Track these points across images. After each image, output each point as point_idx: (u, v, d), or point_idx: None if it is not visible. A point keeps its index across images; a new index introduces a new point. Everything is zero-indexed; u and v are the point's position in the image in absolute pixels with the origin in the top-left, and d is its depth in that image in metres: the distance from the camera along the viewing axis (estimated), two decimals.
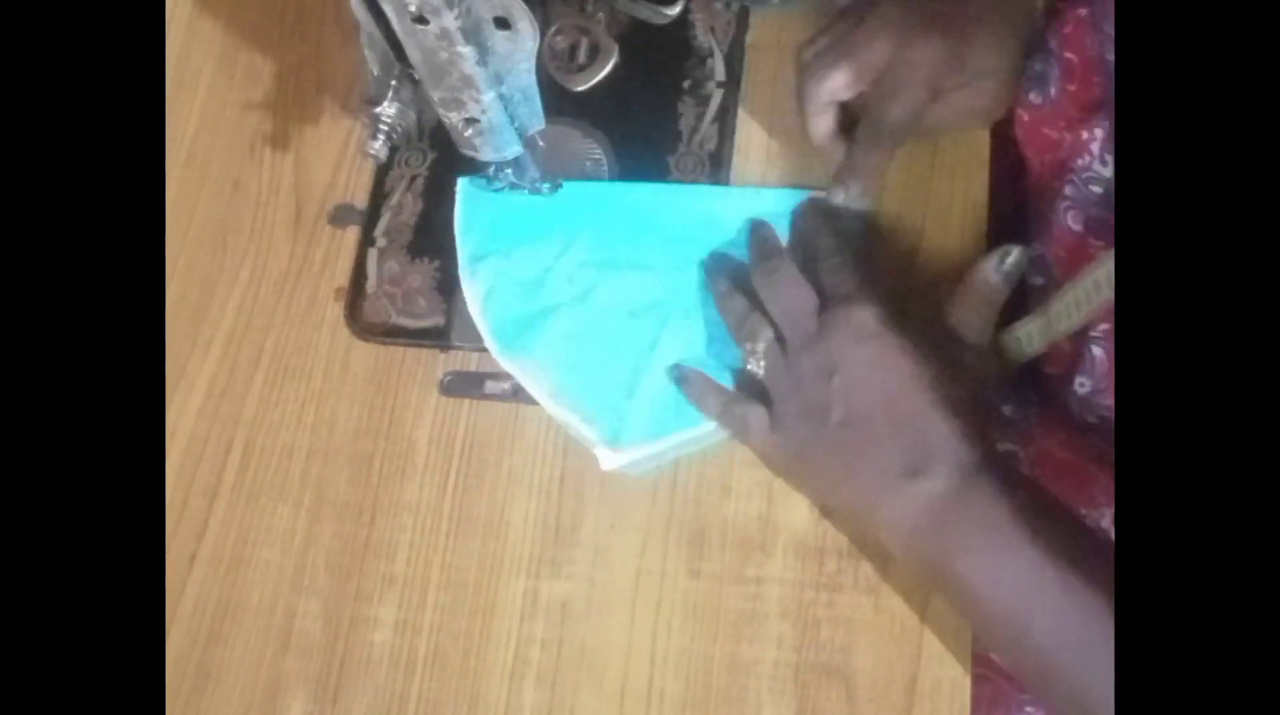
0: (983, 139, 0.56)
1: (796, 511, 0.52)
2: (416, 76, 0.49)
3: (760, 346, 0.51)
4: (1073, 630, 0.43)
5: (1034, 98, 0.56)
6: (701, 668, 0.51)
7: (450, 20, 0.44)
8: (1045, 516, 0.45)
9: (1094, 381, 0.53)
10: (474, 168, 0.56)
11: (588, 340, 0.56)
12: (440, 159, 0.61)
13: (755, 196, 0.57)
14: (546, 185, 0.57)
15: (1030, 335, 0.51)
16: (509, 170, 0.56)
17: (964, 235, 0.55)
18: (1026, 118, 0.57)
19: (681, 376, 0.54)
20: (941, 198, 0.55)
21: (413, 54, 0.47)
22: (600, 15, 0.61)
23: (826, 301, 0.50)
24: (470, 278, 0.58)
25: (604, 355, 0.55)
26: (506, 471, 0.56)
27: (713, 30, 0.61)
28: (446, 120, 0.51)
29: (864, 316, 0.48)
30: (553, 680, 0.52)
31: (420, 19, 0.44)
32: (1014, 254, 0.50)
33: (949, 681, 0.49)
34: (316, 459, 0.58)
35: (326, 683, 0.54)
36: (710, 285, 0.55)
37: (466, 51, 0.45)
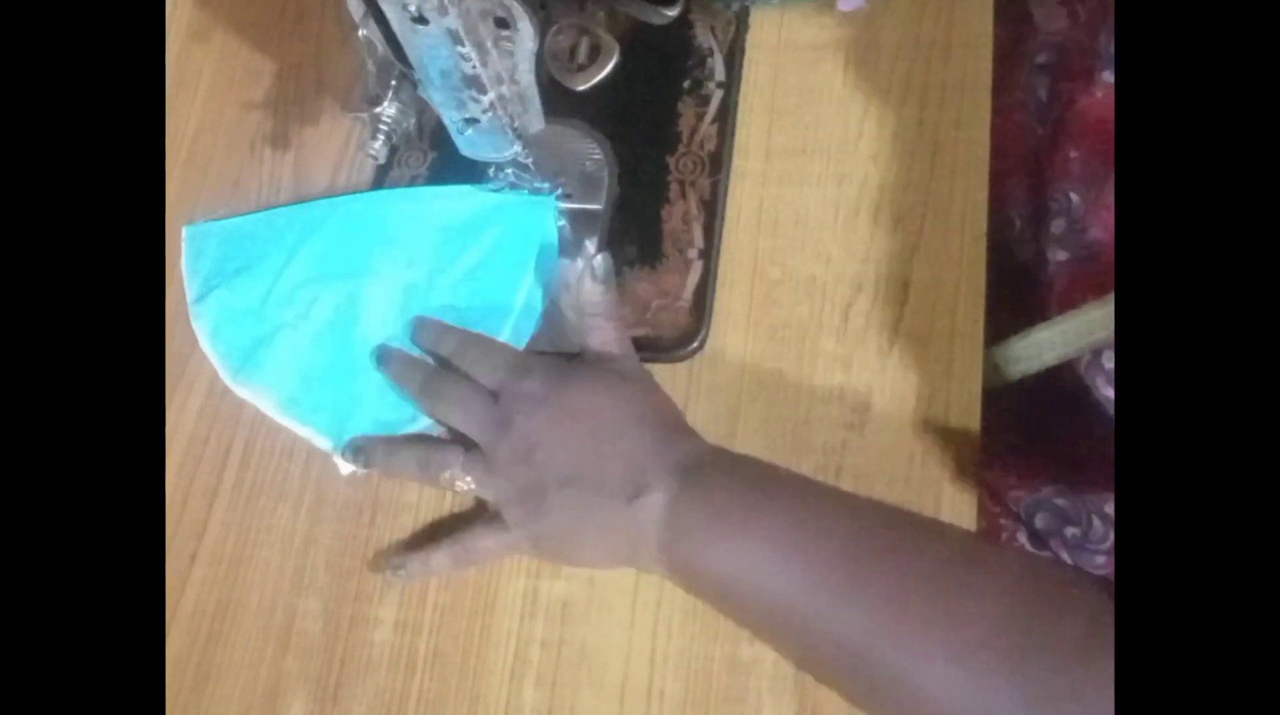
0: (983, 138, 0.56)
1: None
2: (416, 76, 0.49)
3: (458, 471, 0.52)
4: (821, 585, 0.43)
5: (1108, 76, 0.56)
6: (701, 668, 0.51)
7: (450, 20, 0.44)
8: (770, 486, 0.47)
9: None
10: (473, 167, 0.56)
11: (311, 354, 0.58)
12: (440, 159, 0.61)
13: (454, 192, 0.58)
14: (546, 185, 0.57)
15: (1017, 357, 0.51)
16: (509, 170, 0.56)
17: (964, 235, 0.55)
18: (1100, 94, 0.56)
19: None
20: (941, 198, 0.55)
21: (413, 54, 0.47)
22: (600, 15, 0.61)
23: (495, 390, 0.51)
24: (196, 318, 0.60)
25: (328, 366, 0.57)
26: None
27: (713, 30, 0.61)
28: (446, 120, 0.51)
29: (529, 387, 0.50)
30: (553, 680, 0.52)
31: (420, 19, 0.44)
32: (603, 261, 0.52)
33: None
34: (316, 459, 0.58)
35: (326, 683, 0.54)
36: (372, 448, 0.55)
37: (466, 51, 0.45)
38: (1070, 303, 0.56)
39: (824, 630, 0.43)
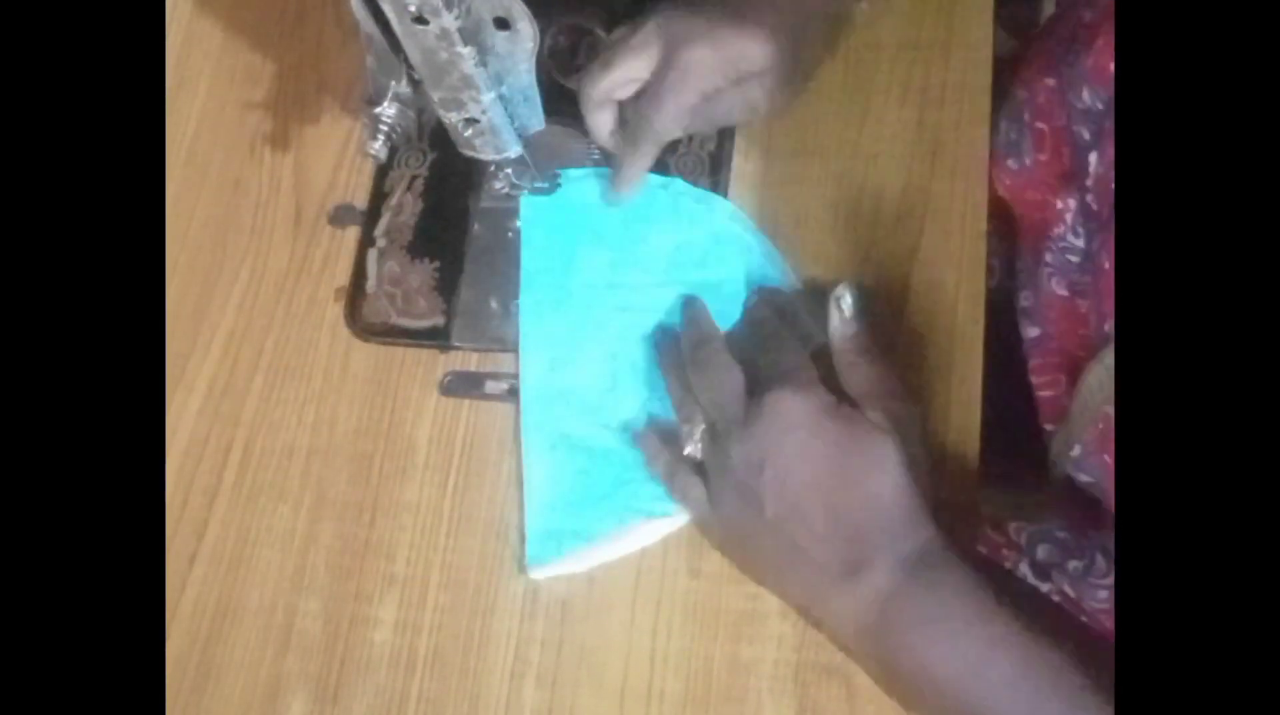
0: (982, 138, 0.56)
1: None
2: (416, 76, 0.49)
3: (696, 431, 0.51)
4: (1027, 708, 0.42)
5: (1011, 164, 0.57)
6: (701, 668, 0.51)
7: (450, 20, 0.44)
8: (990, 597, 0.44)
9: (1083, 446, 0.53)
10: (474, 167, 0.56)
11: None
12: (440, 159, 0.61)
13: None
14: (547, 185, 0.57)
15: (1060, 441, 0.51)
16: (509, 170, 0.56)
17: (964, 235, 0.55)
18: (1008, 182, 0.57)
19: (636, 434, 0.54)
20: (941, 198, 0.55)
21: (413, 54, 0.47)
22: (600, 15, 0.61)
23: (757, 388, 0.49)
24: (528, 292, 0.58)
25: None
26: (506, 471, 0.56)
27: None
28: (446, 120, 0.51)
29: (792, 405, 0.47)
30: (553, 680, 0.52)
31: (420, 19, 0.44)
32: (846, 294, 0.50)
33: None
34: (316, 459, 0.58)
35: (326, 683, 0.54)
36: (659, 362, 0.55)
37: (466, 51, 0.45)
38: (1043, 383, 0.56)
39: None
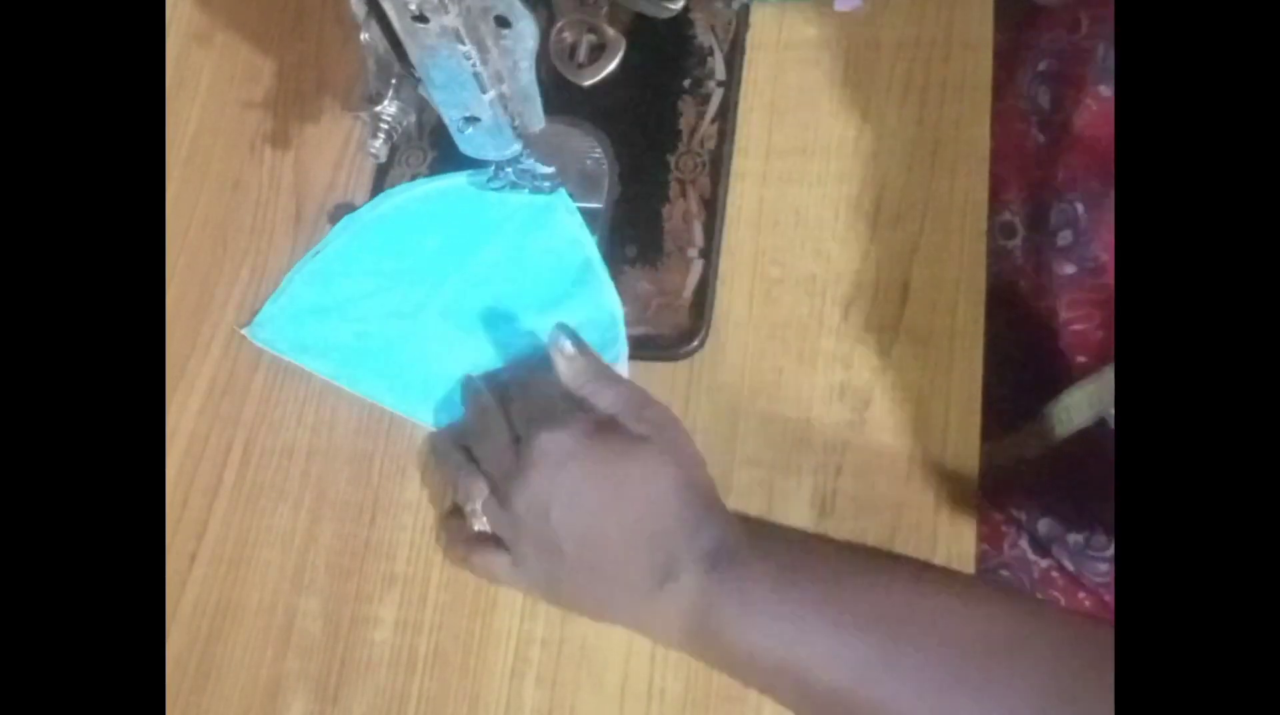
0: (983, 138, 0.56)
1: (797, 511, 0.52)
2: (416, 76, 0.49)
3: (477, 504, 0.51)
4: (849, 664, 0.43)
5: (1104, 90, 0.56)
6: (701, 668, 0.51)
7: (450, 19, 0.44)
8: (799, 566, 0.46)
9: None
10: (474, 167, 0.56)
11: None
12: (440, 159, 0.61)
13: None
14: (547, 184, 0.57)
15: (1078, 406, 0.51)
16: (509, 170, 0.56)
17: (964, 235, 0.55)
18: (1095, 108, 0.56)
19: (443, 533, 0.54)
20: (941, 198, 0.55)
21: (413, 53, 0.47)
22: (604, 10, 0.61)
23: (521, 435, 0.49)
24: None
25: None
26: None
27: (713, 29, 0.61)
28: (446, 120, 0.51)
29: (554, 442, 0.47)
30: (553, 680, 0.52)
31: (420, 18, 0.44)
32: (560, 336, 0.50)
33: None
34: (316, 459, 0.58)
35: (326, 682, 0.54)
36: (434, 444, 0.56)
37: (466, 50, 0.45)
38: (1075, 318, 0.56)
39: (862, 710, 0.43)
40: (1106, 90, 0.56)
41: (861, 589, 0.45)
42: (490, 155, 0.53)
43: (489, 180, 0.57)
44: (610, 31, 0.60)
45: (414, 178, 0.61)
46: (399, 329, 0.57)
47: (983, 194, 0.55)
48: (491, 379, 0.55)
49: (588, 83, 0.60)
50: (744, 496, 0.53)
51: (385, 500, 0.56)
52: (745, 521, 0.49)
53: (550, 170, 0.57)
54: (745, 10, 0.61)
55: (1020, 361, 0.57)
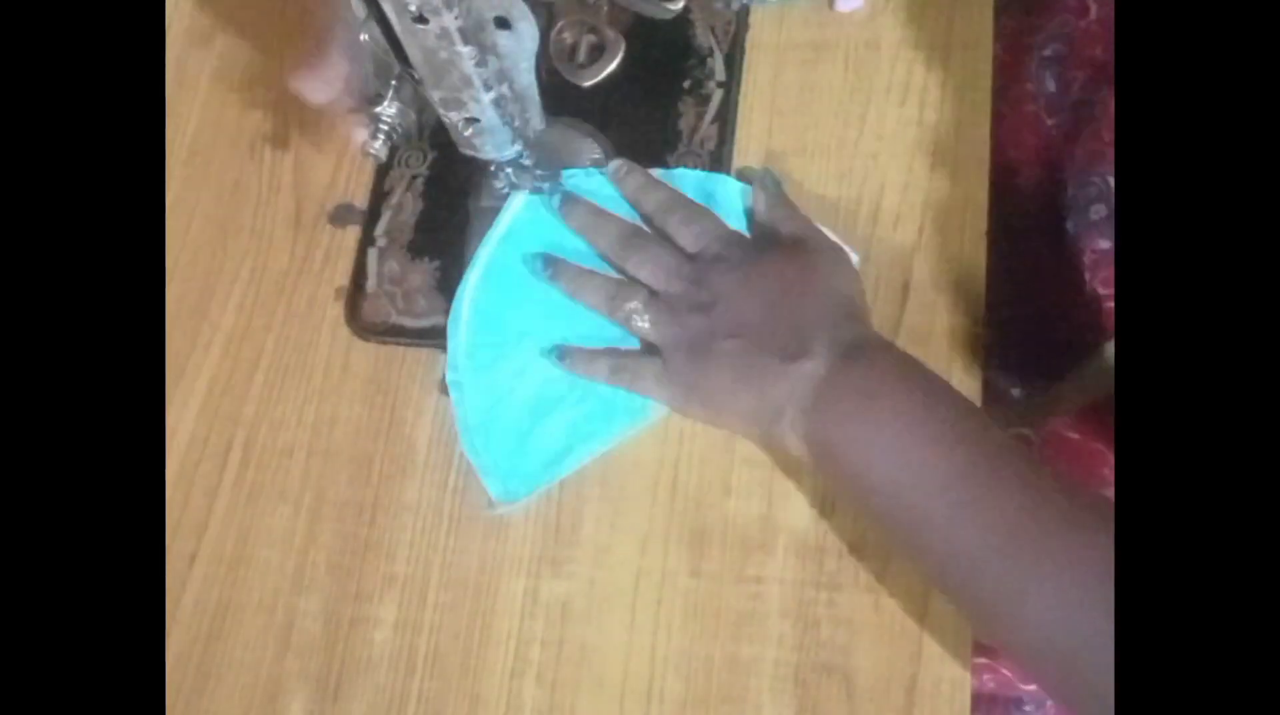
0: (983, 138, 0.56)
1: (797, 511, 0.52)
2: (416, 76, 0.49)
3: (638, 305, 0.53)
4: (944, 490, 0.44)
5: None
6: (701, 667, 0.51)
7: (450, 20, 0.44)
8: (915, 383, 0.47)
9: None
10: (474, 167, 0.56)
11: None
12: (440, 159, 0.61)
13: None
14: (547, 184, 0.57)
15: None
16: (509, 170, 0.56)
17: (964, 235, 0.55)
18: None
19: (562, 355, 0.55)
20: (941, 198, 0.55)
21: (413, 54, 0.47)
22: (604, 11, 0.61)
23: (695, 252, 0.53)
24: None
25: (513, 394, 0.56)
26: None
27: (713, 30, 0.61)
28: (446, 120, 0.51)
29: (727, 253, 0.52)
30: (553, 680, 0.52)
31: (420, 19, 0.44)
32: (765, 177, 0.55)
33: (949, 681, 0.49)
34: (316, 459, 0.58)
35: (326, 682, 0.54)
36: (556, 278, 0.56)
37: (466, 51, 0.45)
38: (1113, 294, 0.56)
39: (944, 536, 0.44)
40: None
41: (975, 425, 0.45)
42: (490, 156, 0.53)
43: (488, 180, 0.57)
44: (610, 32, 0.61)
45: (413, 178, 0.61)
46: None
47: (983, 194, 0.55)
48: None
49: (588, 83, 0.60)
50: (744, 497, 0.53)
51: (385, 500, 0.56)
52: (885, 338, 0.50)
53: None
54: (745, 11, 0.61)
55: (1019, 362, 0.57)
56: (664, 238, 0.55)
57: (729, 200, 0.57)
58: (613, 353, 0.54)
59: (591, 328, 0.56)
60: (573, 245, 0.57)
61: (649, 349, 0.54)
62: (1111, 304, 0.56)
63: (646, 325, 0.53)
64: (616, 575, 0.53)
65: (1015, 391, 0.60)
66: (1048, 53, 0.61)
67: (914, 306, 0.54)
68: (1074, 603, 0.40)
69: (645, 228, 0.56)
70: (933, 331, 0.53)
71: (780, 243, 0.53)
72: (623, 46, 0.60)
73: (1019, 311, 0.57)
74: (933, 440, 0.45)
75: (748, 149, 0.58)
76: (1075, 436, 0.56)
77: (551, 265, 0.56)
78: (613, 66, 0.60)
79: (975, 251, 0.54)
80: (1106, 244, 0.55)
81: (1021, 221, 0.59)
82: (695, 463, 0.54)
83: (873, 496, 0.47)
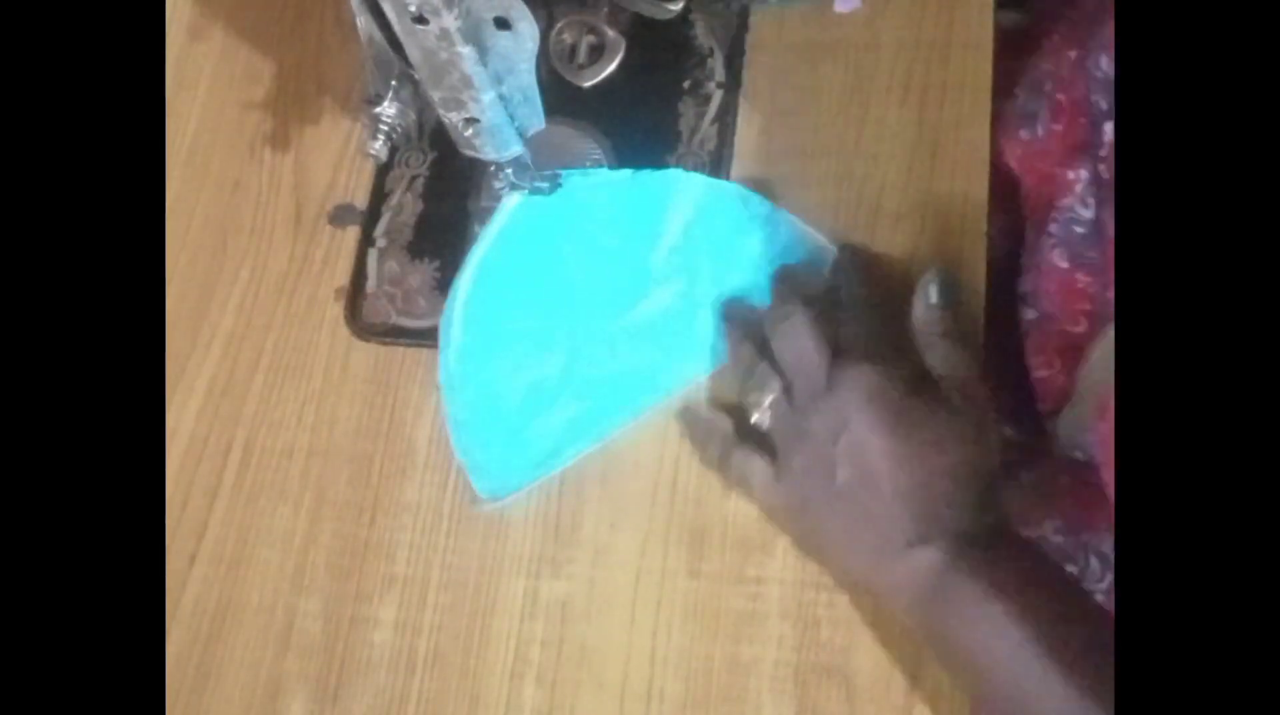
0: (983, 139, 0.56)
1: None
2: (416, 76, 0.49)
3: (767, 398, 0.50)
4: (1057, 687, 0.42)
5: (1024, 135, 0.57)
6: (701, 668, 0.51)
7: (450, 20, 0.44)
8: (1042, 587, 0.45)
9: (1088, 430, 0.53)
10: (474, 167, 0.56)
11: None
12: (440, 159, 0.61)
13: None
14: (547, 184, 0.57)
15: (1069, 421, 0.51)
16: (509, 170, 0.56)
17: (964, 235, 0.55)
18: (1019, 152, 0.57)
19: (690, 419, 0.53)
20: (941, 198, 0.55)
21: (413, 54, 0.47)
22: (604, 11, 0.61)
23: (839, 356, 0.49)
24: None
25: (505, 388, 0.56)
26: None
27: (713, 30, 0.61)
28: (446, 120, 0.51)
29: (874, 378, 0.47)
30: (553, 680, 0.52)
31: (420, 19, 0.44)
32: (934, 282, 0.50)
33: (949, 682, 0.49)
34: (316, 459, 0.58)
35: (326, 683, 0.54)
36: (724, 331, 0.54)
37: (466, 51, 0.45)
38: (1039, 364, 0.57)
39: None
40: (1026, 134, 0.56)
41: (1093, 634, 0.43)
42: (490, 156, 0.53)
43: (488, 180, 0.57)
44: (610, 32, 0.61)
45: (413, 178, 0.61)
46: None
47: (983, 194, 0.55)
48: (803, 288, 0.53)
49: (588, 83, 0.60)
50: (744, 497, 0.53)
51: (385, 500, 0.56)
52: (1018, 536, 0.48)
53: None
54: (745, 11, 0.61)
55: (1012, 389, 0.57)
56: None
57: (724, 206, 0.56)
58: (728, 439, 0.52)
59: (588, 329, 0.56)
60: (567, 249, 0.57)
61: (759, 439, 0.51)
62: (1040, 374, 0.57)
63: (766, 420, 0.50)
64: (616, 575, 0.53)
65: (1008, 430, 0.61)
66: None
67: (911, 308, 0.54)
68: None
69: (799, 303, 0.51)
70: None
71: (924, 383, 0.48)
72: (623, 46, 0.60)
73: (1003, 358, 0.57)
74: (1056, 651, 0.43)
75: (748, 149, 0.58)
76: (1067, 481, 0.56)
77: (728, 310, 0.54)
78: (613, 67, 0.60)
79: (975, 251, 0.54)
80: (1032, 314, 0.56)
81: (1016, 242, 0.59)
82: (695, 463, 0.54)
83: (989, 694, 0.46)
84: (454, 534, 0.55)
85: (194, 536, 0.57)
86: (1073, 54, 0.55)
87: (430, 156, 0.62)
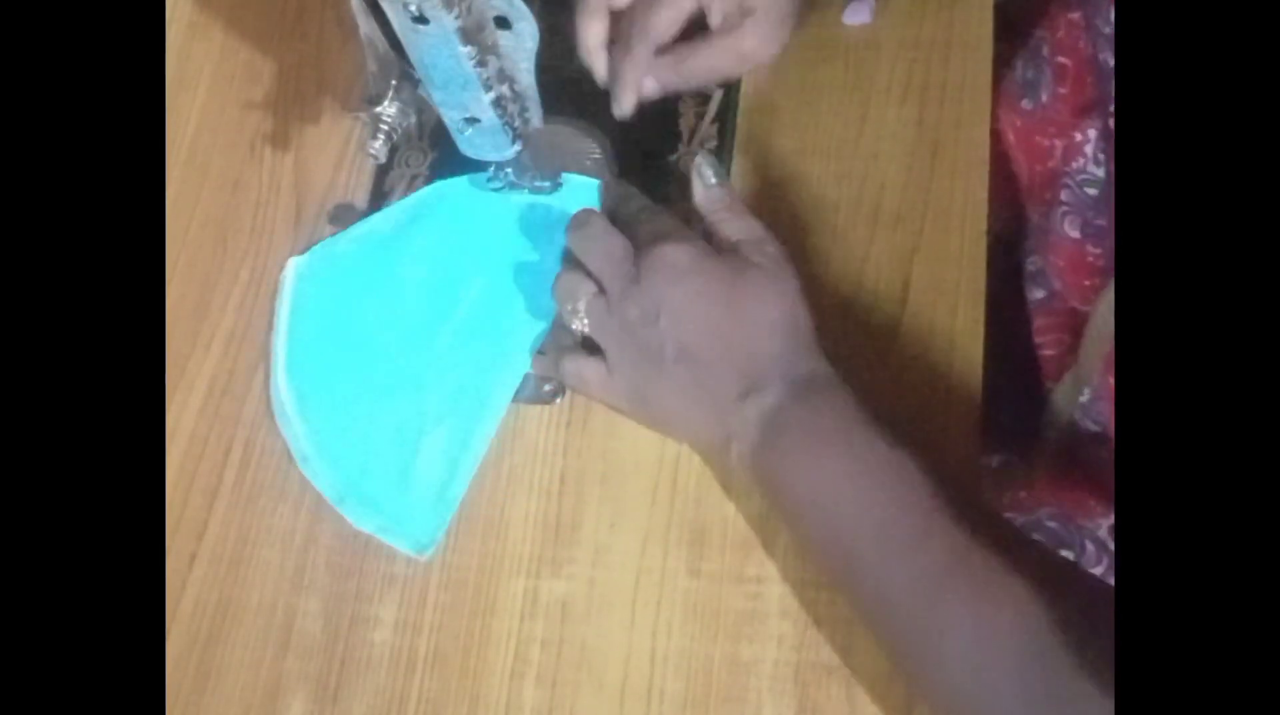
0: (983, 139, 0.56)
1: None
2: (416, 76, 0.49)
3: (581, 303, 0.52)
4: (879, 533, 0.44)
5: (1025, 104, 0.57)
6: (701, 667, 0.51)
7: (450, 20, 0.44)
8: (867, 427, 0.47)
9: (1092, 389, 0.53)
10: (474, 167, 0.56)
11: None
12: (440, 159, 0.61)
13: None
14: (547, 184, 0.57)
15: (1068, 391, 0.51)
16: (509, 170, 0.56)
17: (964, 235, 0.55)
18: (1019, 123, 0.57)
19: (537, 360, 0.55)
20: (941, 198, 0.55)
21: (413, 54, 0.47)
22: None
23: (641, 247, 0.51)
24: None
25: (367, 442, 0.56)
26: (506, 471, 0.56)
27: None
28: (446, 120, 0.51)
29: (678, 254, 0.49)
30: (553, 680, 0.52)
31: (420, 19, 0.44)
32: (705, 163, 0.52)
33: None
34: None
35: (326, 683, 0.54)
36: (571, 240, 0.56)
37: (466, 51, 0.45)
38: (1046, 342, 0.57)
39: (875, 575, 0.45)
40: (1028, 104, 0.56)
41: (917, 469, 0.45)
42: (490, 156, 0.53)
43: (488, 180, 0.57)
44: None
45: (414, 178, 0.61)
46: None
47: (983, 194, 0.55)
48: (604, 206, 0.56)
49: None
50: (744, 496, 0.53)
51: None
52: (834, 375, 0.50)
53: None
54: None
55: (1010, 373, 0.58)
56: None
57: (488, 197, 0.58)
58: (559, 349, 0.54)
59: (416, 356, 0.57)
60: (364, 293, 0.58)
61: (590, 346, 0.53)
62: (1048, 352, 0.57)
63: (585, 326, 0.52)
64: (616, 575, 0.53)
65: (995, 461, 0.61)
66: (1029, 75, 0.61)
67: (914, 306, 0.54)
68: (985, 660, 0.41)
69: (594, 213, 0.54)
70: (933, 331, 0.53)
71: (725, 251, 0.51)
72: None
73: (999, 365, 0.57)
74: (873, 484, 0.45)
75: (747, 149, 0.58)
76: (1051, 475, 0.57)
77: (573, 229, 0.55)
78: None
79: (975, 251, 0.54)
80: (1040, 294, 0.56)
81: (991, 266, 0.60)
82: (695, 463, 0.54)
83: (812, 531, 0.48)
84: (454, 533, 0.55)
85: (194, 536, 0.57)
86: (1074, 15, 0.55)
87: (430, 156, 0.62)
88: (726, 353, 0.48)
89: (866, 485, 0.45)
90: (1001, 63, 0.58)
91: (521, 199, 0.58)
